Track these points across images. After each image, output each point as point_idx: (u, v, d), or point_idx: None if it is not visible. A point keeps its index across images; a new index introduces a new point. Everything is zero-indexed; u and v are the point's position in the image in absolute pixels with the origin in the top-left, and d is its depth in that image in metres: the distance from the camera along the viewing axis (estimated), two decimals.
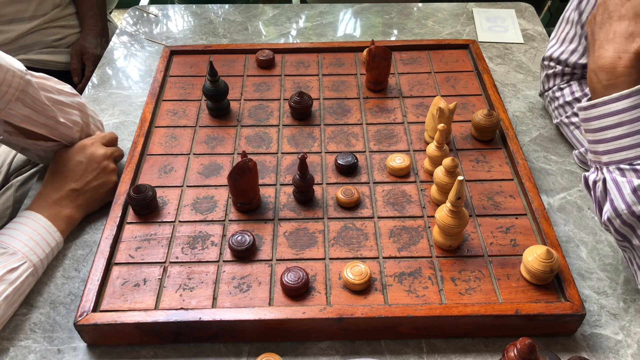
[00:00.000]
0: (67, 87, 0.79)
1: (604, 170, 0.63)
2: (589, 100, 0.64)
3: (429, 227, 0.73)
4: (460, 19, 1.20)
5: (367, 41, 1.05)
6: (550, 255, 0.64)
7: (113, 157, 0.81)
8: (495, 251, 0.70)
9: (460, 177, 0.64)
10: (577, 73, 0.87)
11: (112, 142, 0.83)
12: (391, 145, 0.85)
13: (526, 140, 0.91)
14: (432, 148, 0.78)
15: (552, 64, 0.90)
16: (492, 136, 0.85)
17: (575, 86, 0.87)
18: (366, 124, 0.89)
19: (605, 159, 0.63)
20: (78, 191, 0.76)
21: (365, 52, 0.96)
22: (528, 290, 0.65)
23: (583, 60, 0.85)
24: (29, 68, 1.24)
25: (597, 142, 0.63)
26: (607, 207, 0.62)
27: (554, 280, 0.66)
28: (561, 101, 0.88)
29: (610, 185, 0.62)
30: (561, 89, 0.88)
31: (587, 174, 0.67)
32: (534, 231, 0.72)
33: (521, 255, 0.68)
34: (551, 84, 0.91)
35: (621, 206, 0.60)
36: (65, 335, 0.66)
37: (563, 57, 0.87)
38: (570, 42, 0.86)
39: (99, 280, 0.66)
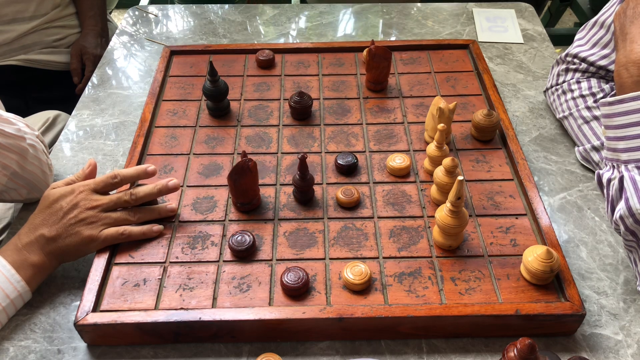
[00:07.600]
0: (12, 129, 0.71)
1: (622, 168, 0.62)
2: (612, 95, 0.62)
3: (429, 227, 0.73)
4: (460, 19, 1.20)
5: (367, 41, 1.05)
6: (550, 255, 0.64)
7: (104, 207, 0.69)
8: (495, 251, 0.70)
9: (460, 177, 0.64)
10: (600, 73, 0.87)
11: (107, 187, 0.71)
12: (391, 145, 0.85)
13: (526, 140, 0.91)
14: (432, 148, 0.78)
15: (575, 60, 0.88)
16: (492, 136, 0.85)
17: (593, 81, 0.86)
18: (366, 124, 0.89)
19: (624, 156, 0.62)
20: (48, 238, 0.67)
21: (365, 52, 0.96)
22: (528, 290, 0.65)
23: (613, 67, 0.82)
24: (29, 68, 1.26)
25: (618, 139, 0.62)
26: (620, 206, 0.61)
27: (554, 280, 0.66)
28: (576, 94, 0.86)
29: (628, 184, 0.60)
30: (579, 82, 0.87)
31: (601, 171, 0.66)
32: (534, 231, 0.72)
33: (521, 255, 0.68)
34: (568, 77, 0.89)
35: (636, 205, 0.59)
36: (65, 335, 0.66)
37: (591, 59, 0.86)
38: (604, 47, 0.85)
39: (99, 280, 0.66)
